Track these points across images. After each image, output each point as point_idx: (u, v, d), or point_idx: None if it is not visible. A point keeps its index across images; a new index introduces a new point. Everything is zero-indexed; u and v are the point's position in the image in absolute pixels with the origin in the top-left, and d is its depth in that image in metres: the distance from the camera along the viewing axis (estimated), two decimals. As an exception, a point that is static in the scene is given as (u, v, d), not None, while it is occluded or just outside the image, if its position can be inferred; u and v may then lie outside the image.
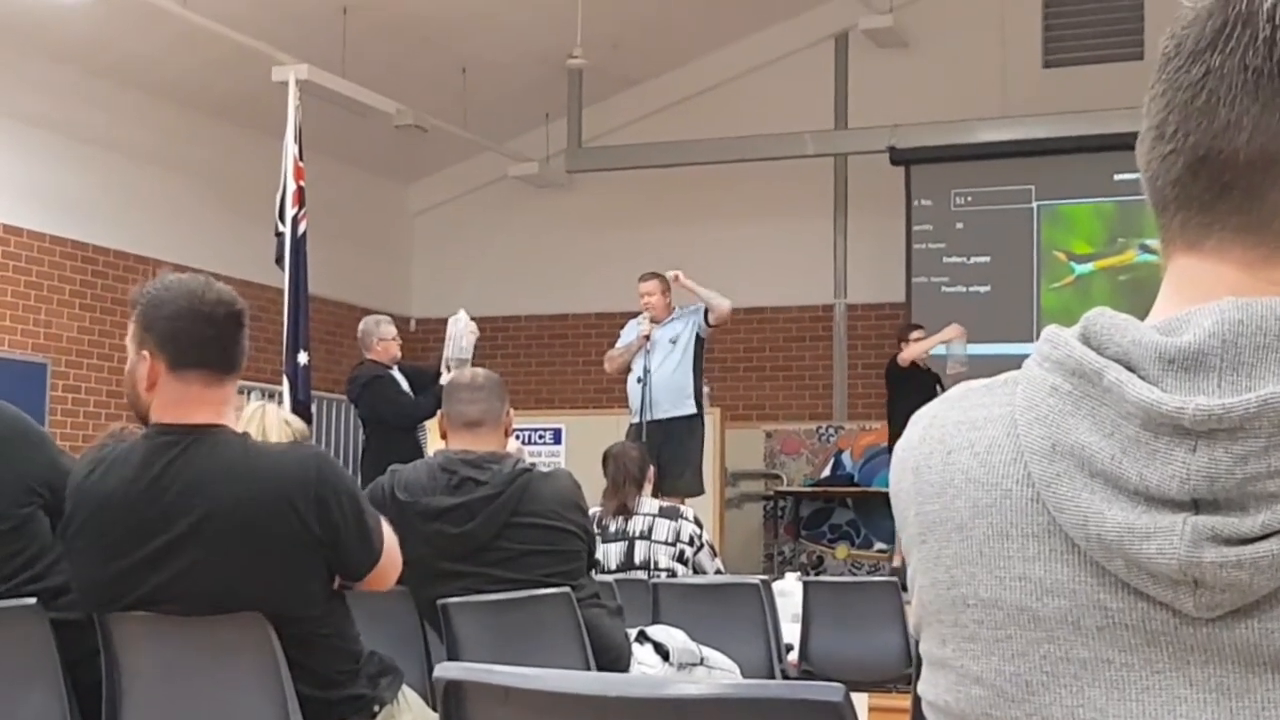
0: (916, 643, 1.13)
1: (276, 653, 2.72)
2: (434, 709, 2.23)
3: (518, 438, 9.80)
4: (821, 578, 8.84)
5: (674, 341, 9.04)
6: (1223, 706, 0.92)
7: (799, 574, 8.07)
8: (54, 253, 10.57)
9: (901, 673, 5.31)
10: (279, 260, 8.92)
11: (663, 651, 4.13)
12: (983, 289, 11.82)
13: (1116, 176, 11.31)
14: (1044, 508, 0.98)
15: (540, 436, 11.20)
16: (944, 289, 11.92)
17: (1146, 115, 1.05)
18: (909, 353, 10.25)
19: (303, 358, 8.82)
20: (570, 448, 10.84)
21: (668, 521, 6.05)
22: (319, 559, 2.80)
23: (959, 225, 11.92)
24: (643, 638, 4.19)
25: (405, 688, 3.05)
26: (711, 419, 10.80)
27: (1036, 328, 11.31)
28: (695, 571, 6.01)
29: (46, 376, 10.37)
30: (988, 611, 1.01)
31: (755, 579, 5.60)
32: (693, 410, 9.00)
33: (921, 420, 1.11)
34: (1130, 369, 0.95)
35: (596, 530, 5.88)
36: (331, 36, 10.65)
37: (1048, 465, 0.97)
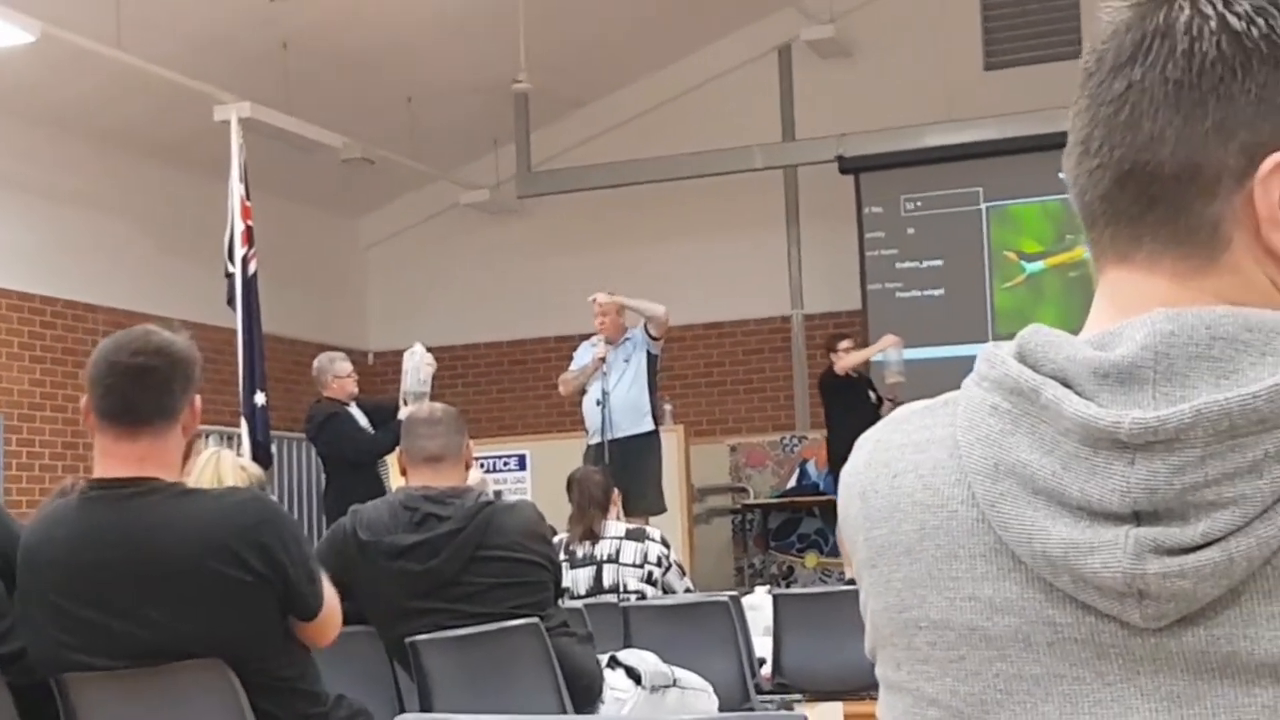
0: (874, 665, 1.13)
1: (241, 701, 2.69)
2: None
3: (482, 466, 9.81)
4: (791, 590, 8.85)
5: (628, 361, 9.07)
6: (1174, 714, 0.93)
7: (769, 587, 8.08)
8: (0, 305, 10.47)
9: (874, 681, 5.31)
10: (230, 301, 8.89)
11: (634, 675, 4.12)
12: (937, 292, 11.88)
13: (1062, 174, 11.35)
14: (989, 527, 0.98)
15: (505, 463, 11.18)
16: (899, 294, 11.97)
17: (1071, 130, 1.05)
18: (844, 363, 10.30)
19: (260, 398, 8.79)
20: (535, 472, 10.82)
21: (634, 544, 6.05)
22: (270, 598, 2.78)
23: (910, 230, 11.98)
24: (614, 663, 4.18)
25: (375, 730, 3.03)
26: (675, 435, 10.83)
27: (992, 328, 11.37)
28: (665, 592, 6.01)
29: (0, 432, 10.27)
30: (939, 633, 1.01)
31: (724, 596, 5.60)
32: (650, 427, 9.03)
33: (866, 445, 1.11)
34: (1067, 385, 0.96)
35: (564, 556, 5.88)
36: (272, 72, 10.61)
37: (991, 485, 0.97)
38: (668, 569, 6.09)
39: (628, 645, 5.09)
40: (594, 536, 6.04)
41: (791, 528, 12.42)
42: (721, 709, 4.38)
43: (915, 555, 1.02)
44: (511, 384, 13.97)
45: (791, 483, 12.49)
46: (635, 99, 13.22)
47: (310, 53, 10.78)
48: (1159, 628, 0.92)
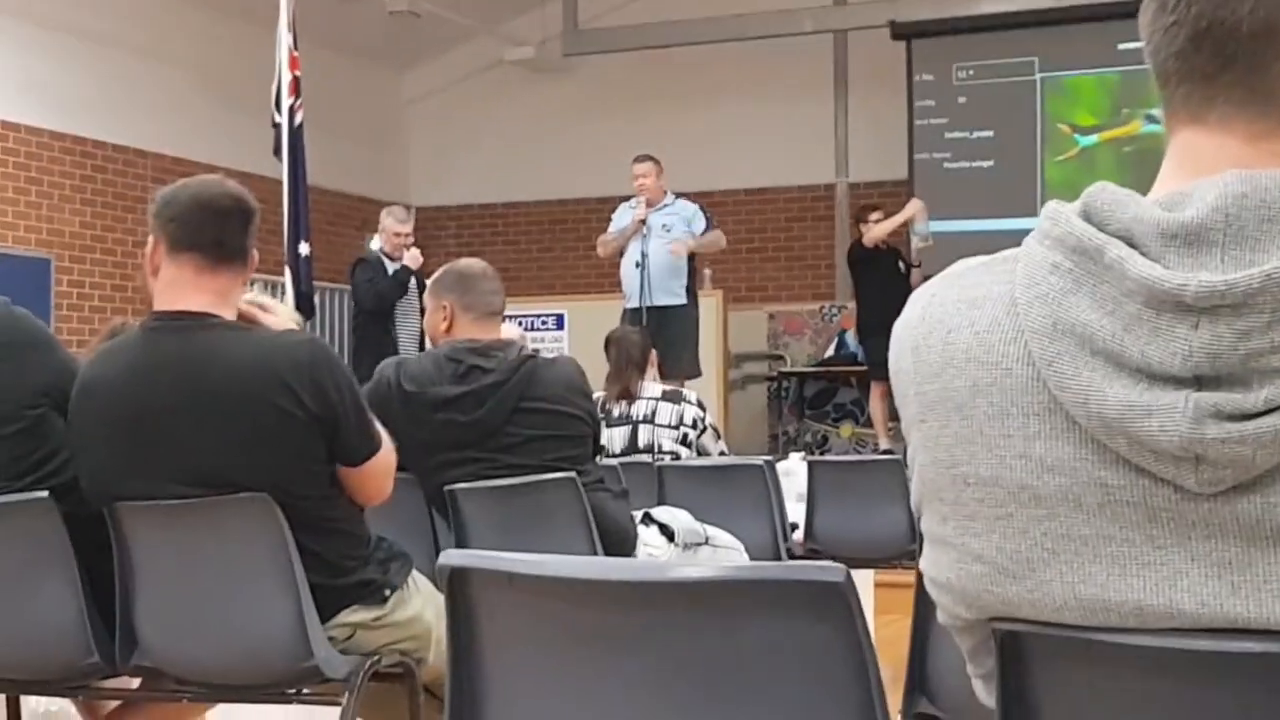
0: (918, 519, 1.14)
1: (286, 537, 2.74)
2: (442, 595, 2.24)
3: (520, 324, 9.85)
4: (826, 457, 8.90)
5: (667, 229, 9.01)
6: (1224, 580, 0.93)
7: (803, 454, 8.12)
8: (53, 148, 10.52)
9: (906, 549, 5.35)
10: (276, 151, 8.86)
11: (668, 532, 4.16)
12: (986, 164, 11.73)
13: (1120, 46, 11.15)
14: (1044, 386, 0.97)
15: (543, 322, 11.20)
16: (946, 165, 11.83)
17: None
18: (873, 234, 10.23)
19: (304, 248, 8.79)
20: (573, 332, 10.84)
21: (671, 405, 6.07)
22: (318, 439, 2.81)
23: (961, 100, 11.80)
24: (648, 519, 4.22)
25: (415, 573, 3.08)
26: (714, 301, 10.81)
27: (1040, 202, 11.22)
28: (699, 454, 6.04)
29: (51, 272, 10.38)
30: (988, 490, 1.01)
31: (759, 460, 5.63)
32: (685, 300, 9.02)
33: (920, 299, 1.10)
34: (1132, 245, 0.95)
35: (600, 415, 5.92)
36: (322, -79, 10.48)
37: (1048, 344, 0.97)
38: (703, 431, 6.12)
39: (661, 505, 5.13)
40: (630, 396, 6.06)
41: (827, 397, 12.43)
42: (753, 569, 4.41)
43: (966, 412, 1.02)
44: (551, 243, 13.94)
45: (829, 352, 12.47)
46: (686, -42, 12.99)
47: (359, -99, 10.62)
48: (1214, 494, 0.92)
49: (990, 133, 11.71)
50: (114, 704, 3.23)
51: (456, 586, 1.41)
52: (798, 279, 13.18)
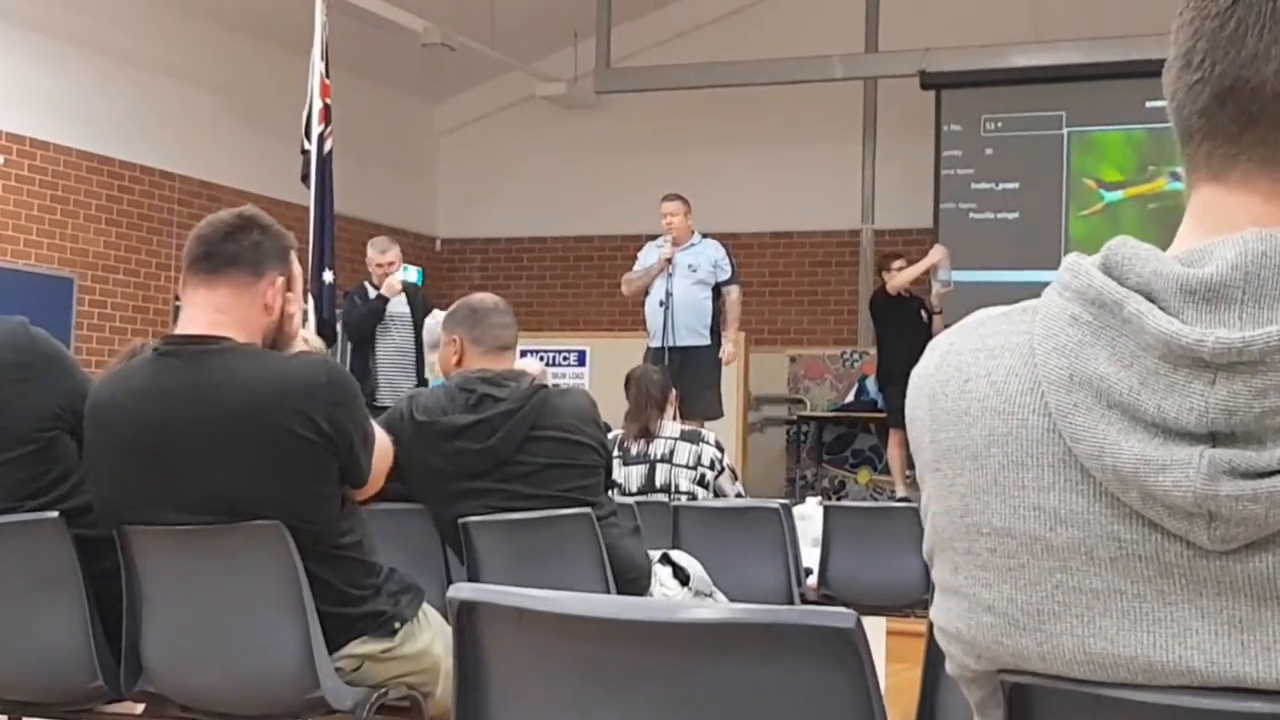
0: (930, 568, 1.13)
1: (296, 565, 2.73)
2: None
3: (542, 359, 9.86)
4: (842, 503, 8.87)
5: (693, 269, 9.01)
6: (1234, 639, 0.92)
7: (820, 498, 8.10)
8: (80, 167, 10.57)
9: (919, 598, 5.33)
10: (304, 178, 8.92)
11: (681, 575, 4.15)
12: (1011, 215, 11.73)
13: (1148, 103, 11.17)
14: (1060, 437, 0.97)
15: (565, 358, 11.22)
16: (972, 215, 11.83)
17: (1174, 43, 1.04)
18: (897, 280, 10.23)
19: (328, 276, 8.84)
20: (594, 369, 10.86)
21: (689, 445, 6.07)
22: (332, 462, 2.81)
23: (988, 151, 11.82)
24: (665, 559, 4.21)
25: (426, 605, 3.07)
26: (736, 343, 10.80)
27: (1063, 255, 11.14)
28: (716, 495, 6.03)
29: (73, 291, 10.41)
30: (1000, 540, 1.01)
31: (775, 503, 5.61)
32: (709, 341, 9.02)
33: (939, 347, 1.10)
34: (1151, 300, 0.95)
35: (618, 453, 5.91)
36: (358, -48, 10.56)
37: (1065, 395, 0.97)
38: (720, 472, 6.11)
39: (676, 545, 5.12)
40: (649, 435, 6.06)
41: (846, 442, 12.41)
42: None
43: (981, 461, 1.01)
44: (576, 279, 13.97)
45: (849, 398, 12.46)
46: (719, 1, 13.06)
47: (397, -66, 10.71)
48: (1226, 551, 0.92)
49: (1016, 185, 11.72)
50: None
51: (465, 620, 1.40)
52: (820, 323, 13.18)
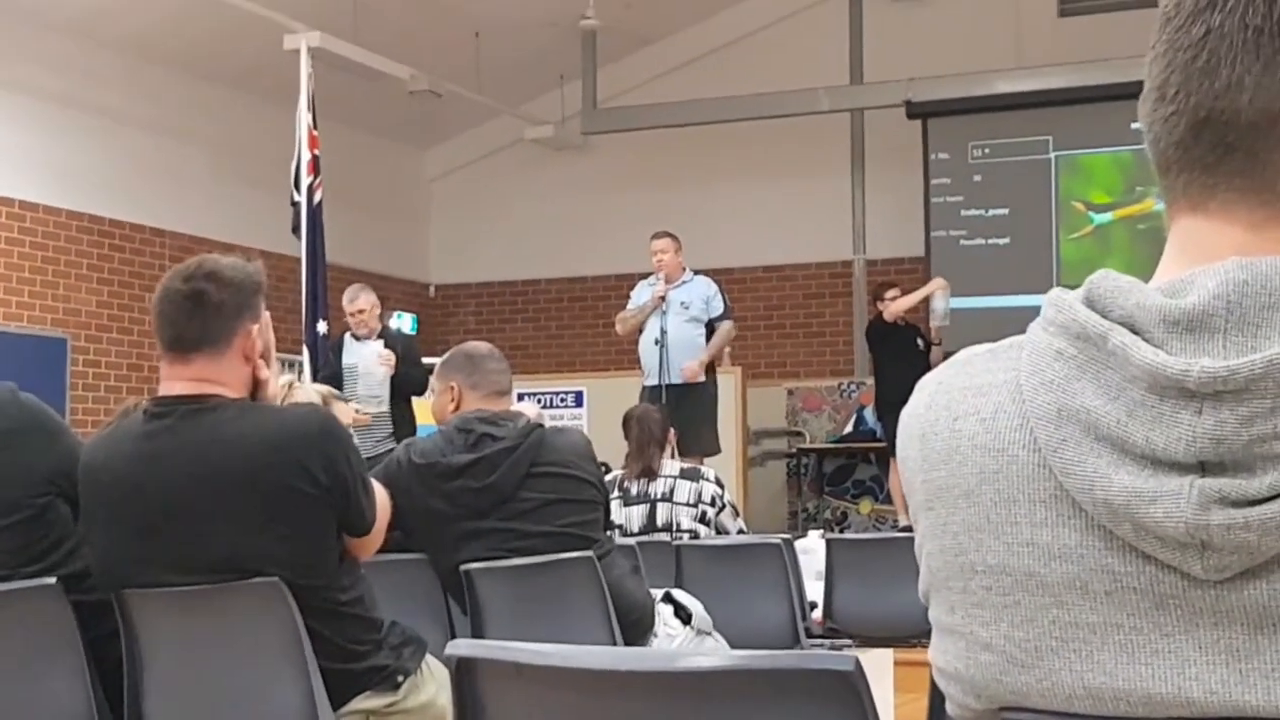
0: (926, 607, 1.13)
1: (297, 623, 2.72)
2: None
3: (539, 401, 9.86)
4: (844, 535, 8.87)
5: (686, 305, 9.03)
6: (1232, 669, 0.92)
7: (822, 531, 8.09)
8: (70, 227, 10.58)
9: (925, 628, 5.27)
10: (295, 229, 8.95)
11: (684, 614, 4.15)
12: (1002, 241, 11.76)
13: (1133, 125, 11.01)
14: (1050, 473, 0.97)
15: (562, 400, 11.21)
16: (963, 242, 11.87)
17: (1148, 76, 1.04)
18: (894, 308, 10.24)
19: (322, 326, 8.86)
20: (592, 410, 10.85)
21: (689, 483, 6.06)
22: (330, 513, 2.80)
23: (977, 178, 11.86)
24: (667, 598, 4.21)
25: (429, 657, 3.06)
26: (733, 377, 10.81)
27: (1056, 279, 11.25)
28: (718, 532, 6.02)
29: (66, 352, 10.41)
30: (995, 578, 1.01)
31: (777, 538, 5.61)
32: (702, 378, 9.02)
33: (927, 387, 1.10)
34: (1135, 332, 0.95)
35: (618, 494, 5.91)
36: (342, 2, 10.61)
37: (1054, 430, 0.97)
38: (721, 509, 6.10)
39: (680, 583, 5.11)
40: (652, 474, 6.05)
41: (847, 473, 12.41)
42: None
43: (973, 499, 1.01)
44: (571, 320, 13.99)
45: (848, 429, 12.46)
46: (703, 38, 13.12)
47: (380, -17, 10.77)
48: (1220, 580, 0.92)
49: (1005, 210, 11.76)
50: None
51: (464, 676, 1.40)
52: (816, 355, 13.19)
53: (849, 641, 5.55)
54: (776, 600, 5.25)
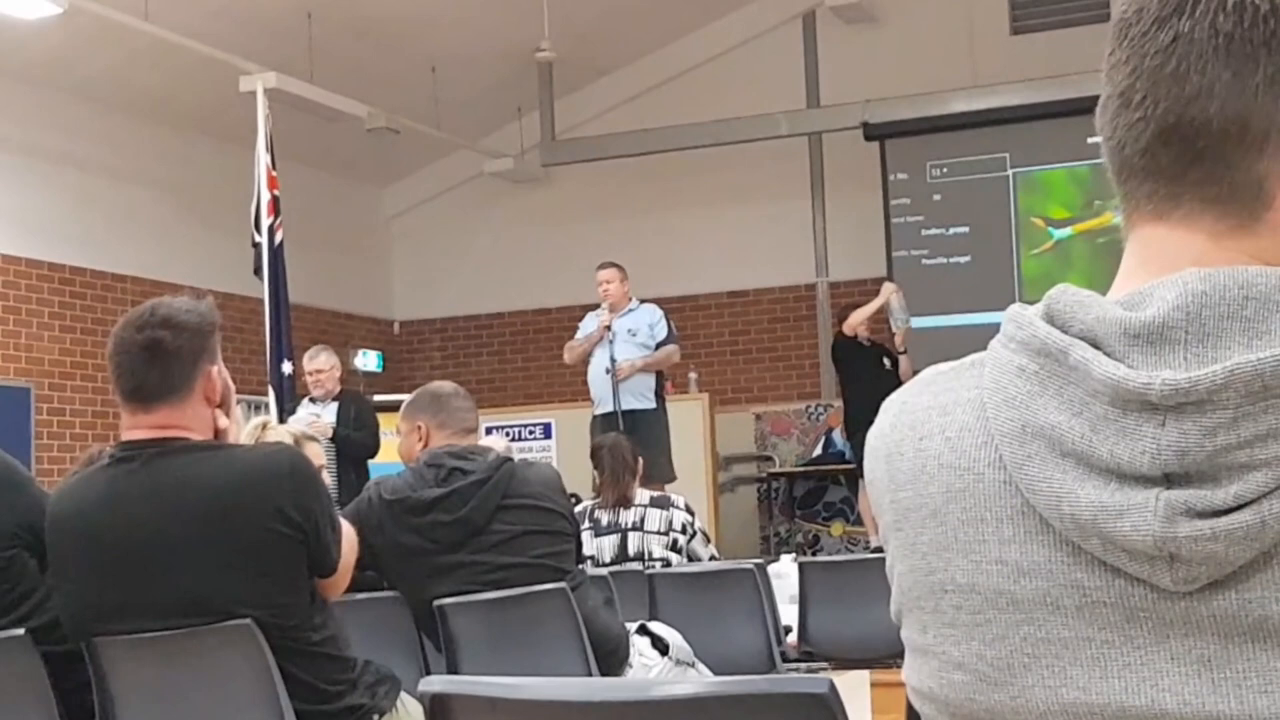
0: (899, 628, 1.13)
1: (270, 664, 2.70)
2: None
3: (507, 434, 9.84)
4: (816, 558, 8.86)
5: (633, 333, 9.10)
6: (1204, 679, 0.92)
7: (794, 555, 8.09)
8: (30, 276, 10.52)
9: (900, 648, 5.30)
10: (257, 271, 8.91)
11: (661, 645, 4.14)
12: (963, 259, 11.83)
13: (1090, 140, 11.28)
14: (1017, 490, 0.97)
15: (530, 432, 11.19)
16: (924, 261, 11.92)
17: (1108, 82, 1.04)
18: (851, 320, 10.30)
19: (287, 367, 8.81)
20: (560, 441, 10.83)
21: (659, 511, 6.05)
22: (300, 553, 2.78)
23: (936, 197, 11.92)
24: (643, 630, 4.20)
25: (404, 695, 3.04)
26: (700, 404, 10.82)
27: (1019, 295, 11.31)
28: (690, 559, 6.01)
29: (31, 401, 10.34)
30: (965, 596, 1.00)
31: (750, 563, 5.60)
32: (654, 405, 9.09)
33: (892, 407, 1.10)
34: (1095, 346, 0.95)
35: (588, 524, 5.90)
36: (297, 42, 10.61)
37: (1019, 447, 0.97)
38: (692, 536, 6.09)
39: (653, 612, 5.10)
40: (627, 502, 6.04)
41: (817, 496, 12.42)
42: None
43: (941, 518, 1.01)
44: (537, 352, 13.97)
45: (817, 451, 12.48)
46: (659, 67, 13.17)
47: (334, 23, 10.77)
48: (1189, 591, 0.92)
49: (966, 229, 11.83)
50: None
51: (439, 713, 1.39)
52: (783, 379, 13.21)
53: (825, 664, 5.55)
54: (751, 626, 5.25)
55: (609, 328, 9.05)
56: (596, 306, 9.34)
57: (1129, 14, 1.01)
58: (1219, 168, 0.97)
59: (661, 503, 6.13)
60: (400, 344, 14.40)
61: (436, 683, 1.38)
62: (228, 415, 2.86)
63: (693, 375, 12.02)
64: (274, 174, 8.97)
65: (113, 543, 2.76)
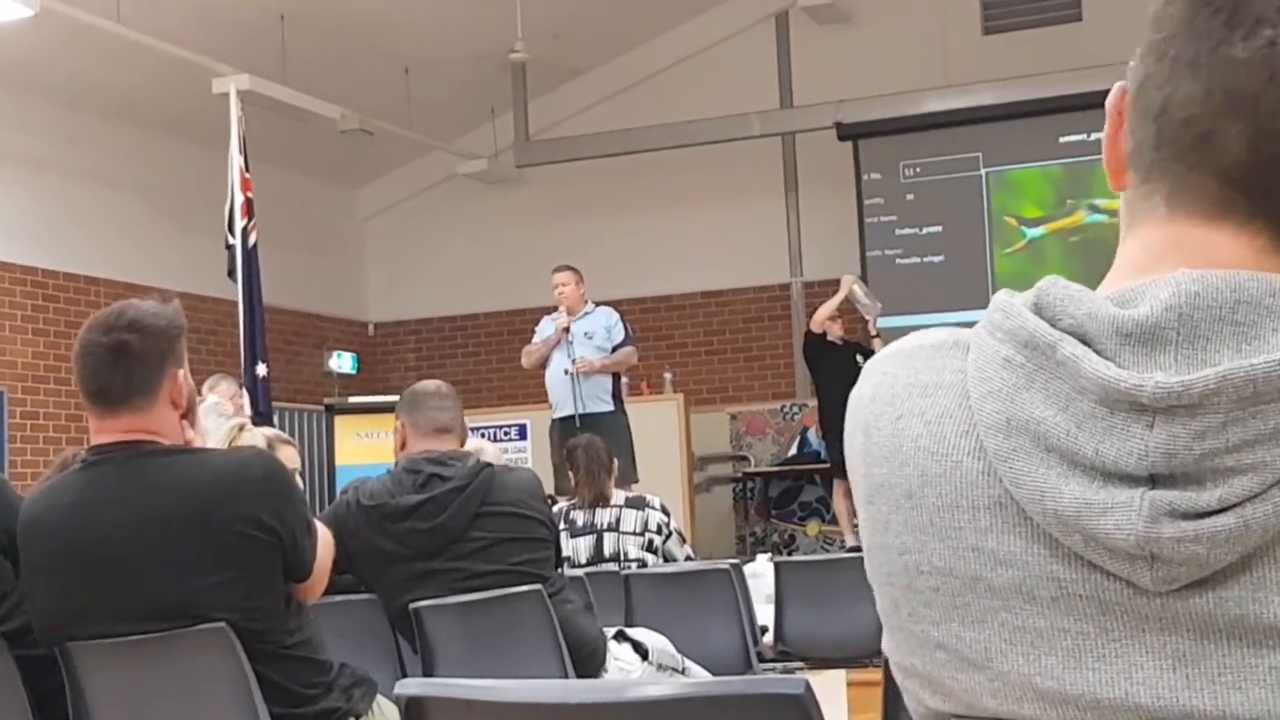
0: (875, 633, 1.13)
1: (245, 668, 2.70)
2: None
3: (483, 435, 9.82)
4: (792, 557, 8.87)
5: (589, 336, 9.12)
6: (1179, 674, 0.93)
7: (770, 555, 8.10)
8: (3, 279, 10.46)
9: (876, 648, 5.29)
10: (231, 273, 8.88)
11: (641, 650, 4.13)
12: (937, 259, 11.86)
13: (1062, 139, 11.36)
14: (995, 480, 0.97)
15: (505, 433, 11.18)
16: (898, 261, 11.96)
17: (1160, 56, 1.01)
18: (817, 316, 10.40)
19: (261, 369, 8.79)
20: (536, 442, 10.82)
21: (634, 511, 6.05)
22: (275, 557, 2.78)
23: (909, 197, 11.95)
24: (621, 636, 4.20)
25: (380, 698, 3.04)
26: (675, 404, 10.84)
27: (992, 294, 11.31)
28: (665, 560, 6.01)
29: (3, 404, 10.28)
30: (943, 579, 1.00)
31: (725, 564, 5.61)
32: (611, 407, 9.13)
33: (873, 375, 1.09)
34: (1085, 342, 0.95)
35: (564, 525, 5.89)
36: (270, 44, 10.57)
37: (1003, 440, 0.96)
38: (668, 537, 6.10)
39: (629, 613, 5.10)
40: (605, 501, 6.04)
41: (793, 496, 12.44)
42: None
43: (916, 501, 1.01)
44: (512, 353, 13.88)
45: (792, 451, 12.49)
46: (632, 67, 13.17)
47: (307, 24, 10.74)
48: (1167, 591, 0.93)
49: (939, 228, 11.86)
50: None
51: (415, 716, 1.39)
52: (758, 379, 13.22)
53: (801, 664, 5.56)
54: (727, 626, 5.25)
55: (567, 330, 9.07)
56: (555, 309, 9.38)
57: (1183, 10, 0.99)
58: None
59: (637, 503, 6.14)
60: (375, 345, 14.37)
61: (412, 685, 1.38)
62: (191, 423, 2.85)
63: (667, 375, 12.02)
64: (247, 176, 8.95)
65: (85, 547, 2.74)
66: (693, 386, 12.50)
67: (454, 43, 11.78)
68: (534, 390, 13.41)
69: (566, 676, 3.64)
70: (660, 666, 4.13)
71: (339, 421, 11.16)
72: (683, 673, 4.23)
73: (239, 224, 8.84)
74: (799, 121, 12.49)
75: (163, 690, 2.77)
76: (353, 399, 12.14)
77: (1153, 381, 0.90)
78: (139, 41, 9.53)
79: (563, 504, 6.13)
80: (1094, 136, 11.25)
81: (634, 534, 5.99)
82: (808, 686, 1.23)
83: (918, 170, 11.91)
